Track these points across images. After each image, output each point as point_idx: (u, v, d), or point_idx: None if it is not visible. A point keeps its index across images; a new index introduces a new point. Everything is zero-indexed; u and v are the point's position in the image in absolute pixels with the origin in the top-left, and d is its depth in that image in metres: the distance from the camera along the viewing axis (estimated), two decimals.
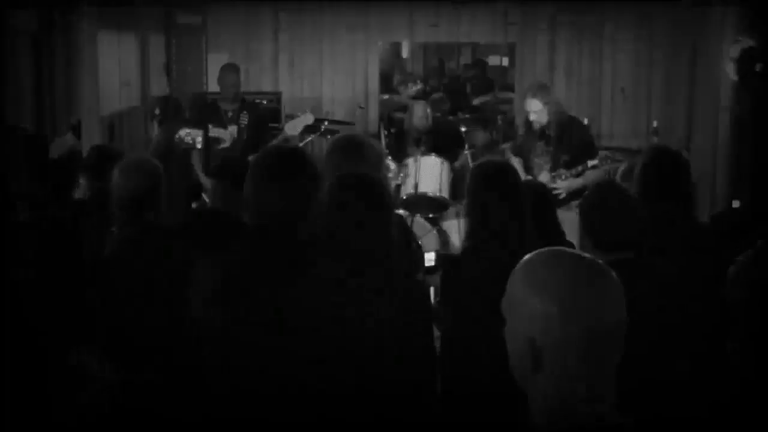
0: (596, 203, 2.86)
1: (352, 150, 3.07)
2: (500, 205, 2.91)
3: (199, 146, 5.61)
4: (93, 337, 2.78)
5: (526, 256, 1.44)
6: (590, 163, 5.13)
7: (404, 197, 6.10)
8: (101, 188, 3.96)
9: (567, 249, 1.46)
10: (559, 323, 1.34)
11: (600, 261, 1.42)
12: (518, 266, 1.43)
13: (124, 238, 3.05)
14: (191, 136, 5.58)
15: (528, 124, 5.27)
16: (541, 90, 5.22)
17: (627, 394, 1.44)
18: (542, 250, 1.45)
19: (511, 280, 1.43)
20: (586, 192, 3.05)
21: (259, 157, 2.25)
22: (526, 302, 1.37)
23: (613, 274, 1.40)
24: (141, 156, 3.68)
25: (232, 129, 5.95)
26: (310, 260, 2.12)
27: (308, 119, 5.95)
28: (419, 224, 5.98)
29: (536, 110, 5.15)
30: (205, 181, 5.38)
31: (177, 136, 5.64)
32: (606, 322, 1.35)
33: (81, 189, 4.10)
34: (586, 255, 1.44)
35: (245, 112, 5.99)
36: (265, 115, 6.68)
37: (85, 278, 2.88)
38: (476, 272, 2.84)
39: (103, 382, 2.13)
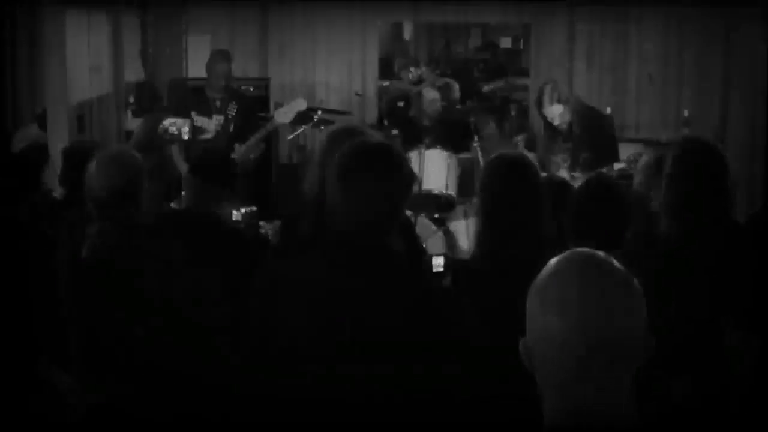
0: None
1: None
2: (517, 204, 2.88)
3: (185, 137, 5.62)
4: (63, 346, 2.78)
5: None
6: (616, 166, 5.13)
7: None
8: (74, 184, 3.98)
9: (584, 251, 1.47)
10: (559, 332, 1.38)
11: (617, 264, 1.44)
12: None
13: (102, 238, 3.04)
14: (176, 126, 5.58)
15: (550, 127, 5.24)
16: (557, 90, 5.18)
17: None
18: (565, 252, 1.47)
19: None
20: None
21: (345, 155, 2.24)
22: (530, 308, 1.43)
23: (632, 279, 1.42)
24: (120, 147, 3.66)
25: (218, 119, 5.96)
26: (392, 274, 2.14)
27: (300, 105, 5.97)
28: (423, 225, 5.98)
29: (559, 113, 5.14)
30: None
31: (161, 126, 5.65)
32: (612, 329, 1.38)
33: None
34: (601, 255, 1.46)
35: (234, 102, 6.00)
36: (254, 105, 6.68)
37: (53, 282, 2.88)
38: (488, 280, 2.82)
39: (74, 398, 2.14)
